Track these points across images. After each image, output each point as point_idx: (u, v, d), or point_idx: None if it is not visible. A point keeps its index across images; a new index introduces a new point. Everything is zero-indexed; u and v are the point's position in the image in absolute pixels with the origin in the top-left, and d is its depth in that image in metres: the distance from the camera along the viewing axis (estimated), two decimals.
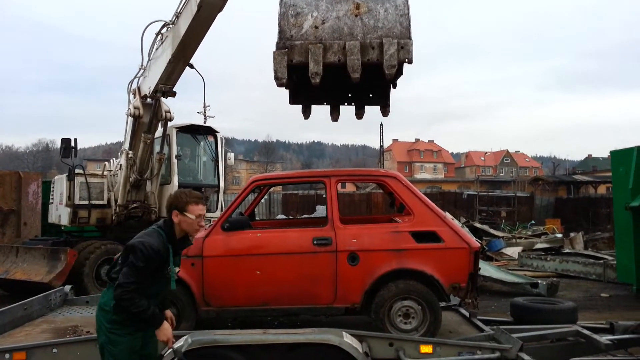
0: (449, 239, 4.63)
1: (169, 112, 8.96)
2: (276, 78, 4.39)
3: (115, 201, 9.52)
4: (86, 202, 9.40)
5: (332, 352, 3.86)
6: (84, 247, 9.07)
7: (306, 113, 5.13)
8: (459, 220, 16.70)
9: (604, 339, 4.59)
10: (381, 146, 41.99)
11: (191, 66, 8.54)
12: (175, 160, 9.95)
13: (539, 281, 9.54)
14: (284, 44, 4.41)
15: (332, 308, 4.69)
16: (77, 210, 9.37)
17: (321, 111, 5.33)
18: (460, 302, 5.48)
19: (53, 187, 10.60)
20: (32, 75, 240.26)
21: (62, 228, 10.18)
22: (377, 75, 4.47)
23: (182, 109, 32.03)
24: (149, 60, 8.73)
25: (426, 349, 4.06)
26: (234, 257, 4.63)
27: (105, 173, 10.03)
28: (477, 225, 18.23)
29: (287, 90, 4.92)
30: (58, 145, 9.92)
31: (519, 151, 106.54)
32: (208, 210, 10.31)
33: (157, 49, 8.52)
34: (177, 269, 3.26)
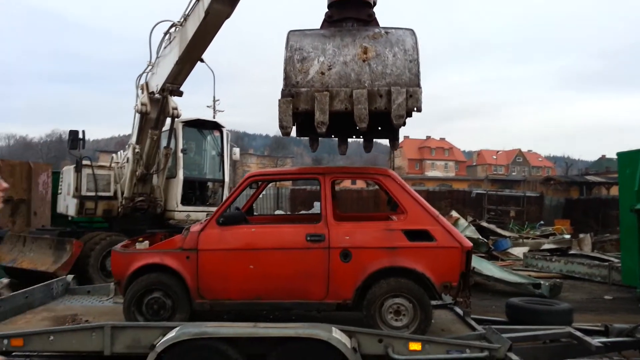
0: (441, 237, 4.64)
1: (177, 109, 9.06)
2: (281, 127, 4.32)
3: (122, 193, 9.65)
4: (93, 193, 9.55)
5: (321, 346, 3.92)
6: (89, 238, 9.22)
7: (313, 146, 5.11)
8: (466, 219, 16.61)
9: (596, 341, 4.59)
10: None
11: (201, 60, 8.55)
12: (180, 154, 10.06)
13: (542, 282, 9.51)
14: (290, 91, 4.33)
15: (323, 304, 4.73)
16: (84, 201, 9.52)
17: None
18: (454, 301, 5.51)
19: (62, 178, 10.77)
20: (40, 65, 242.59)
21: (70, 218, 10.34)
22: (385, 116, 4.39)
23: (191, 102, 32.09)
24: (157, 57, 8.79)
25: (415, 346, 4.10)
26: (228, 251, 4.69)
27: (113, 165, 10.17)
28: (484, 224, 18.16)
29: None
30: None
31: (531, 150, 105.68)
32: (213, 205, 10.40)
33: (165, 47, 8.56)
34: None
